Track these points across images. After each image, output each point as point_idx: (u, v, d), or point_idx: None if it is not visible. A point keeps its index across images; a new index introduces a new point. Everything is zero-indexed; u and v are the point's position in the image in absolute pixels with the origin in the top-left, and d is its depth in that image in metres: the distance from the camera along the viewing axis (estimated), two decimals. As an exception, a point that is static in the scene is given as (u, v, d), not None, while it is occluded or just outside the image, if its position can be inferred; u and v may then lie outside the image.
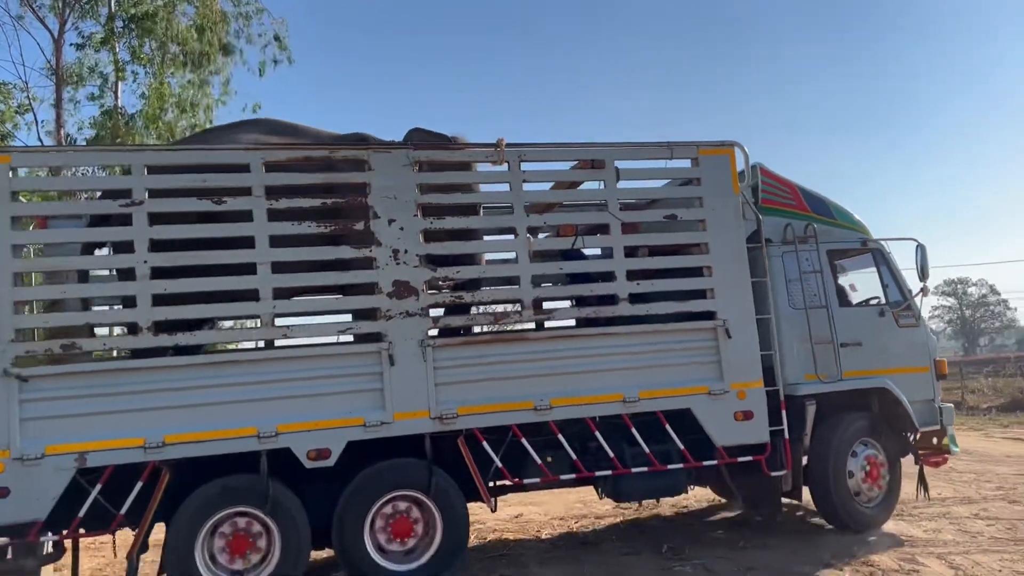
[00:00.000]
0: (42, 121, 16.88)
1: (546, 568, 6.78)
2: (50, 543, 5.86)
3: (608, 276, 6.74)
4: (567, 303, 6.93)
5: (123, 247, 5.80)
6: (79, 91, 16.87)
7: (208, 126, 16.71)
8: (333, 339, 6.73)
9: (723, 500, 9.13)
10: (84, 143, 15.84)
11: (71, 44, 16.53)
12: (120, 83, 16.37)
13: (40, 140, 16.45)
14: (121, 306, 6.40)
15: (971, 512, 7.97)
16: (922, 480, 7.81)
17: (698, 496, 9.76)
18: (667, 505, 9.28)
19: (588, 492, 10.81)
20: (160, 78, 16.27)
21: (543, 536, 8.15)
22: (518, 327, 6.96)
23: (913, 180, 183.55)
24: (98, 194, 6.18)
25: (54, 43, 16.69)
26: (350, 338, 6.40)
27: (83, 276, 6.22)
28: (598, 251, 7.56)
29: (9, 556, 5.62)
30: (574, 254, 7.13)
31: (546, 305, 7.09)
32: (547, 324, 7.02)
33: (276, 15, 18.18)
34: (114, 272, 6.30)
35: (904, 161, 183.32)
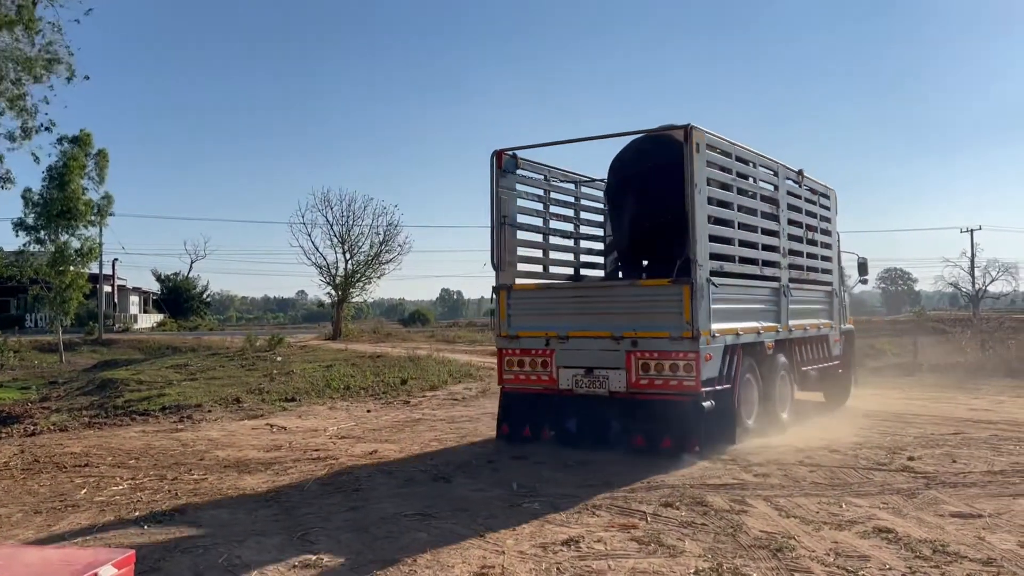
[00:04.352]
0: None
1: (397, 503, 6.81)
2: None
3: (814, 255, 11.87)
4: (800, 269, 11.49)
5: (728, 205, 9.38)
6: None
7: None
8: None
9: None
10: None
11: None
12: None
13: None
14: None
15: (797, 460, 8.59)
16: (856, 377, 14.10)
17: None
18: (522, 446, 9.53)
19: (445, 431, 10.98)
20: None
21: (395, 473, 8.15)
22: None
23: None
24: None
25: None
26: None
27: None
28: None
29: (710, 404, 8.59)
30: (810, 240, 11.83)
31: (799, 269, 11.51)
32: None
33: None
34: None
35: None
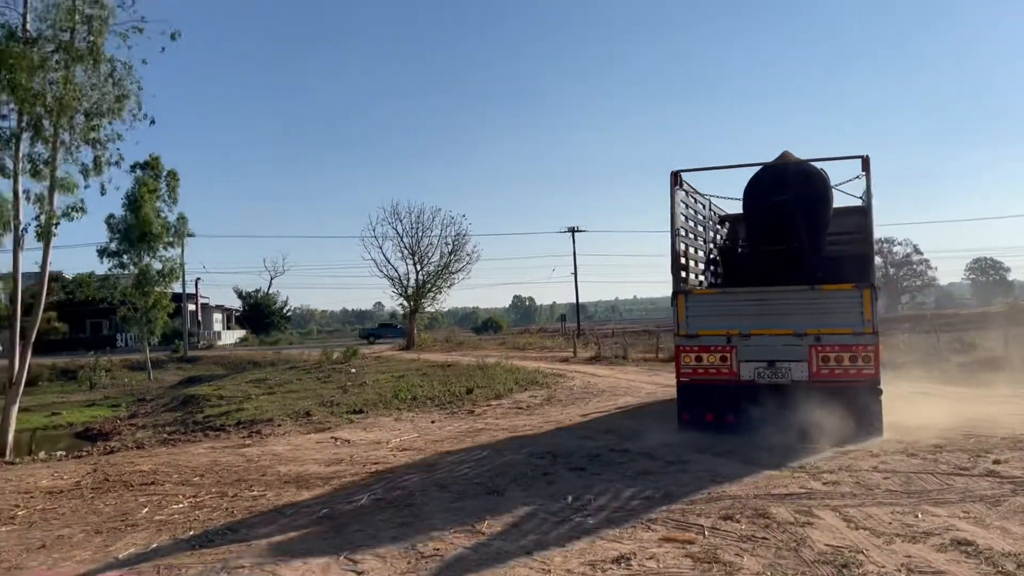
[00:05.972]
0: None
1: (447, 519, 6.69)
2: None
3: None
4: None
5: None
6: None
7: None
8: None
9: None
10: None
11: None
12: None
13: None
14: None
15: (871, 465, 8.13)
16: None
17: (611, 445, 9.84)
18: (581, 455, 9.31)
19: (506, 442, 10.83)
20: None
21: (449, 486, 8.03)
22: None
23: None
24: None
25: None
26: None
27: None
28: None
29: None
30: None
31: None
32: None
33: None
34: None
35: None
